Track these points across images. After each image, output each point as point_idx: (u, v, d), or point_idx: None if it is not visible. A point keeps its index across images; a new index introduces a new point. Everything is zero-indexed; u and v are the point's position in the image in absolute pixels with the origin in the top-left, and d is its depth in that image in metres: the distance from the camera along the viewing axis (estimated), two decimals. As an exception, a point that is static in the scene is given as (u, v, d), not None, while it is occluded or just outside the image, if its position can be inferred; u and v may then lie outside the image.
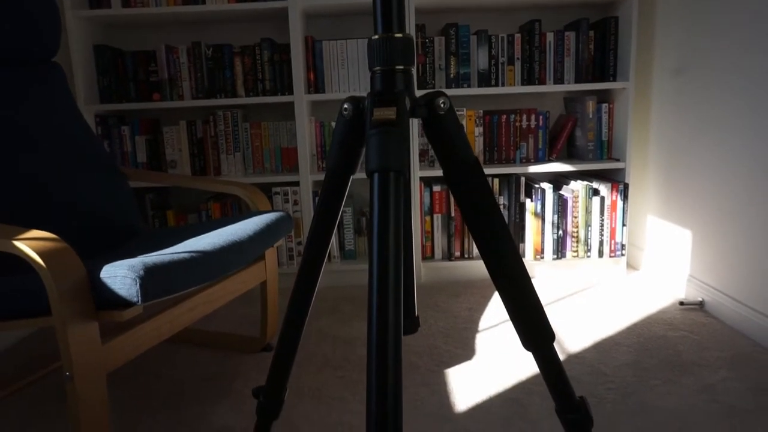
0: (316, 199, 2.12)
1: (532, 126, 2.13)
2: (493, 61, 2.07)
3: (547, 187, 2.10)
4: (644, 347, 1.52)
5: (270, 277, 1.55)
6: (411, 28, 1.99)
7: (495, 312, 1.83)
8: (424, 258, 2.16)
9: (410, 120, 0.75)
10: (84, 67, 2.00)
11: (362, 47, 2.05)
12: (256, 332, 1.73)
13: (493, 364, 1.46)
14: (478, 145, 2.13)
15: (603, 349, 1.52)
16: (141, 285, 0.95)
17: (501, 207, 2.12)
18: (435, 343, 1.60)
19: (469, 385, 1.36)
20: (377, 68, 0.66)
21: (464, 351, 1.55)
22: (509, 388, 1.34)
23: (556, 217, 2.10)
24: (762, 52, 1.48)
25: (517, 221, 2.14)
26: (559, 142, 2.16)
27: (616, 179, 2.12)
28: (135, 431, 1.22)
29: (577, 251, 2.13)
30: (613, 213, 2.09)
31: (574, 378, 1.37)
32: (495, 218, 0.68)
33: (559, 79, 2.09)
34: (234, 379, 1.44)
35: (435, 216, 2.13)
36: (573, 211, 2.09)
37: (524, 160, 2.15)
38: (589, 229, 2.11)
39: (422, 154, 2.12)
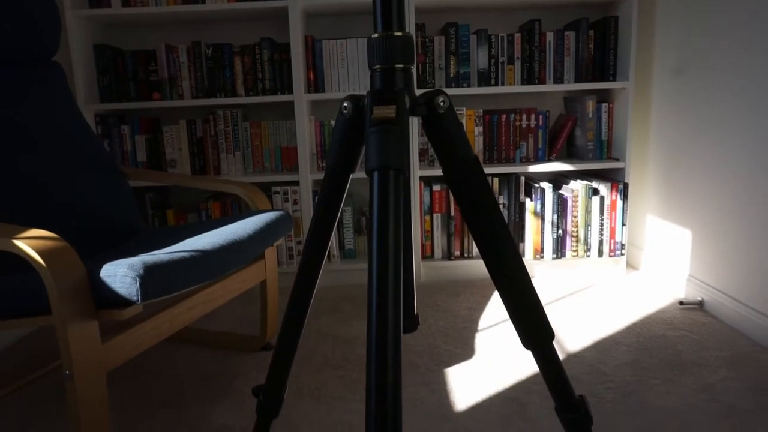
0: (316, 198, 2.12)
1: (532, 125, 2.13)
2: (492, 61, 2.07)
3: (546, 186, 2.10)
4: (644, 347, 1.52)
5: (270, 277, 1.55)
6: (411, 28, 1.99)
7: (495, 311, 1.83)
8: (424, 257, 2.16)
9: (410, 118, 0.75)
10: (84, 67, 2.00)
11: (362, 47, 2.05)
12: (256, 331, 1.73)
13: (492, 363, 1.46)
14: (477, 145, 2.13)
15: (602, 348, 1.53)
16: (141, 284, 0.95)
17: (501, 206, 2.12)
18: (435, 342, 1.60)
19: (469, 384, 1.36)
20: (377, 66, 0.66)
21: (464, 350, 1.55)
22: (509, 387, 1.34)
23: (555, 216, 2.10)
24: (762, 52, 1.48)
25: (516, 221, 2.14)
26: (559, 141, 2.16)
27: (616, 179, 2.12)
28: (135, 430, 1.22)
29: (576, 251, 2.13)
30: (613, 213, 2.09)
31: (574, 377, 1.37)
32: (495, 217, 0.68)
33: (558, 79, 2.09)
34: (234, 378, 1.44)
35: (435, 215, 2.13)
36: (573, 211, 2.09)
37: (524, 160, 2.15)
38: (589, 228, 2.11)
39: (422, 153, 2.12)
